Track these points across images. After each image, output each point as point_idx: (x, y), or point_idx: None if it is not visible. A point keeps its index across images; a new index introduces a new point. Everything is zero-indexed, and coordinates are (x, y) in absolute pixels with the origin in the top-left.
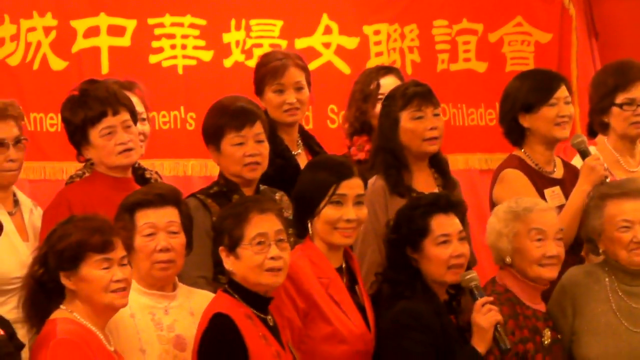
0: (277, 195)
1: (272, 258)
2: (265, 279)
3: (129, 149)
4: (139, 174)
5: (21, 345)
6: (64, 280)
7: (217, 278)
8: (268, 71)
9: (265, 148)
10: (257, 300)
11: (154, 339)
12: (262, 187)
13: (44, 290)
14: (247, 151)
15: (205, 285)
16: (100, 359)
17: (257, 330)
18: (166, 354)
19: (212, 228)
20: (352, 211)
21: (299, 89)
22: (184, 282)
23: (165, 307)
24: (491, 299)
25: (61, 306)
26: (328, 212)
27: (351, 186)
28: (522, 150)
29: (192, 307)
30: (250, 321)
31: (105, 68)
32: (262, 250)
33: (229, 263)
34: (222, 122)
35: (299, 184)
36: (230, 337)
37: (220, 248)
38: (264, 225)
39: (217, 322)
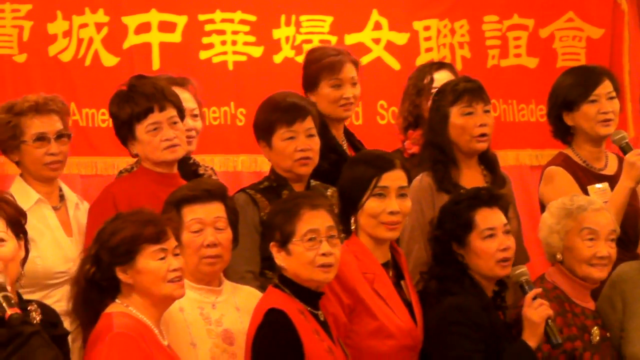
0: (329, 191)
1: (323, 254)
2: (316, 275)
3: (175, 145)
4: (193, 170)
5: (66, 333)
6: (121, 275)
7: (264, 273)
8: (325, 66)
9: (316, 143)
10: (309, 296)
11: (203, 333)
12: (313, 182)
13: (97, 288)
14: (298, 146)
15: (252, 280)
16: (155, 353)
17: (310, 325)
18: (216, 348)
19: (262, 223)
20: (395, 203)
21: (353, 84)
22: (231, 277)
23: (212, 302)
24: (540, 290)
25: (116, 300)
26: (371, 205)
27: (393, 178)
28: (571, 148)
29: (237, 302)
30: (303, 316)
31: (156, 64)
32: (313, 246)
33: (280, 259)
34: (273, 117)
35: (342, 180)
36: (286, 332)
37: (272, 244)
38: (315, 221)
39: (272, 317)
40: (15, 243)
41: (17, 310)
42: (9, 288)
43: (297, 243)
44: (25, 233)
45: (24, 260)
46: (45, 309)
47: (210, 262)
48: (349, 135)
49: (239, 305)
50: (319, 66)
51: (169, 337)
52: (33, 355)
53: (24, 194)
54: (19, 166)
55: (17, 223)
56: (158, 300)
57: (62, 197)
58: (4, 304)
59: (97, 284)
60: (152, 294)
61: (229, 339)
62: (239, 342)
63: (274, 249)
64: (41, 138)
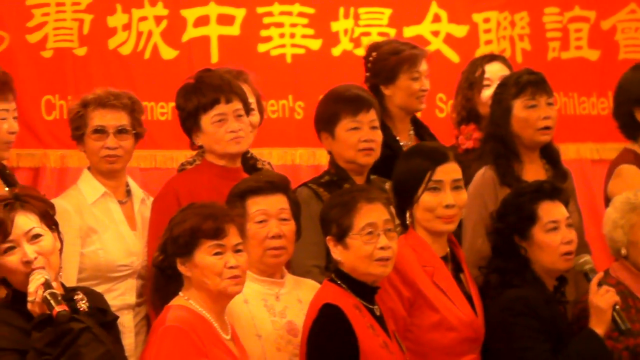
0: (387, 185)
1: (381, 248)
2: (374, 269)
3: (239, 137)
4: (251, 164)
5: (116, 317)
6: (180, 267)
7: (330, 267)
8: (406, 59)
9: (379, 135)
10: (364, 290)
11: (268, 324)
12: (372, 177)
13: (164, 277)
14: (362, 136)
15: (318, 275)
16: (210, 347)
17: (365, 320)
18: (281, 339)
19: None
20: (450, 196)
21: (426, 77)
22: (297, 271)
23: (276, 294)
24: (602, 274)
25: (180, 293)
26: (426, 199)
27: (447, 171)
28: (638, 144)
29: (299, 295)
30: (359, 311)
31: (214, 57)
32: (371, 240)
33: (336, 252)
34: (337, 108)
35: (396, 174)
36: (341, 327)
37: (328, 238)
38: (372, 215)
39: (327, 313)
40: (51, 235)
41: (64, 307)
42: (54, 284)
43: (355, 237)
44: (56, 224)
45: (60, 252)
46: (91, 296)
47: (274, 253)
48: (419, 127)
49: (301, 298)
50: (400, 58)
51: (234, 329)
52: (83, 351)
53: (90, 187)
54: (87, 158)
55: (48, 215)
56: (214, 296)
57: (128, 192)
58: (52, 302)
59: (165, 272)
60: (208, 289)
61: (293, 330)
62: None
63: (330, 243)
64: (99, 131)
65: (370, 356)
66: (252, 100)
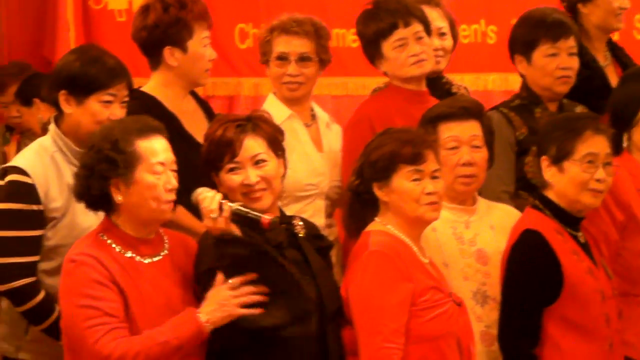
0: (578, 109)
1: (597, 180)
2: (585, 198)
3: (421, 60)
4: (446, 88)
5: (330, 244)
6: (377, 192)
7: (518, 194)
8: None
9: (576, 62)
10: (568, 218)
11: (456, 253)
12: (564, 101)
13: (360, 201)
14: (560, 64)
15: (508, 200)
16: (413, 270)
17: (568, 246)
18: (468, 268)
19: (518, 142)
20: None
21: None
22: (487, 197)
23: (466, 221)
24: None
25: (376, 219)
26: None
27: None
28: None
29: (492, 221)
30: (561, 237)
31: None
32: (589, 169)
33: (549, 174)
34: (537, 33)
35: (613, 98)
36: (541, 252)
37: (543, 157)
38: (597, 145)
39: (528, 238)
40: (276, 161)
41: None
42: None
43: (575, 162)
44: (283, 150)
45: (283, 177)
46: (307, 223)
47: (465, 181)
48: (615, 49)
49: (494, 224)
50: None
51: None
52: None
53: (276, 110)
54: (272, 83)
55: (276, 141)
56: (411, 221)
57: (313, 117)
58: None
59: (361, 196)
60: (405, 214)
61: (482, 258)
62: (494, 262)
63: (544, 163)
64: (282, 57)
65: (574, 281)
66: (444, 24)
